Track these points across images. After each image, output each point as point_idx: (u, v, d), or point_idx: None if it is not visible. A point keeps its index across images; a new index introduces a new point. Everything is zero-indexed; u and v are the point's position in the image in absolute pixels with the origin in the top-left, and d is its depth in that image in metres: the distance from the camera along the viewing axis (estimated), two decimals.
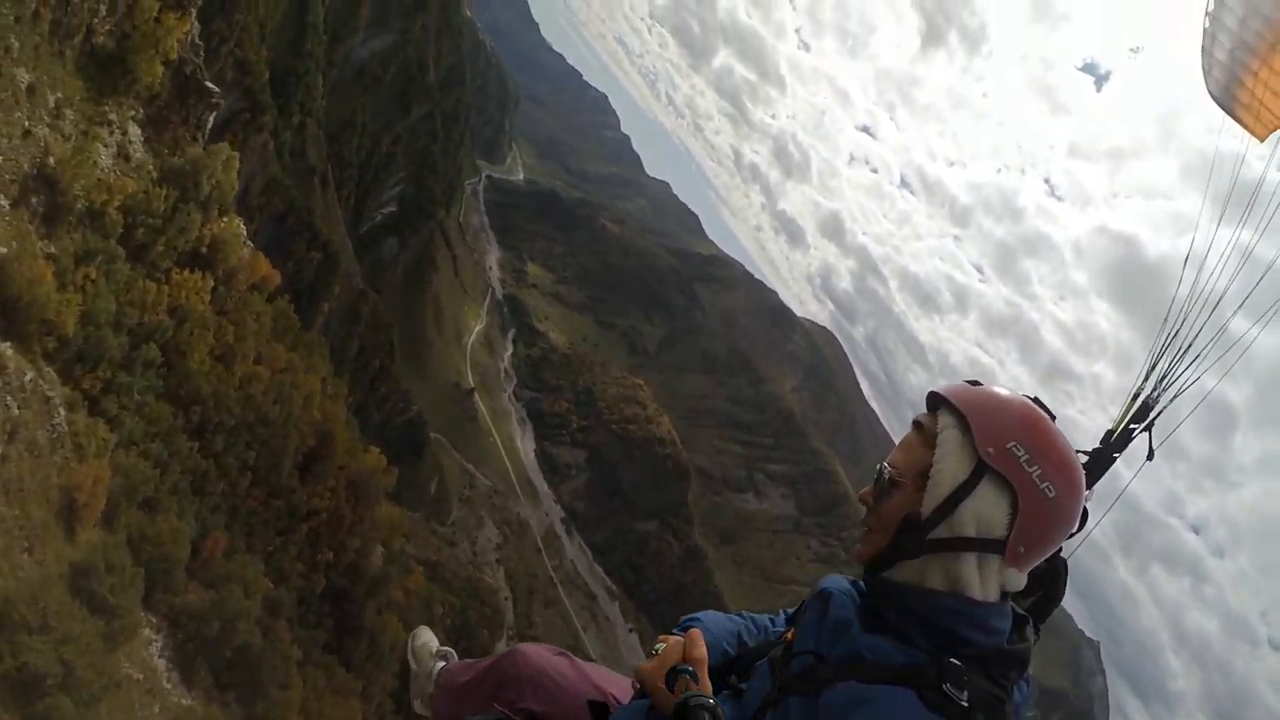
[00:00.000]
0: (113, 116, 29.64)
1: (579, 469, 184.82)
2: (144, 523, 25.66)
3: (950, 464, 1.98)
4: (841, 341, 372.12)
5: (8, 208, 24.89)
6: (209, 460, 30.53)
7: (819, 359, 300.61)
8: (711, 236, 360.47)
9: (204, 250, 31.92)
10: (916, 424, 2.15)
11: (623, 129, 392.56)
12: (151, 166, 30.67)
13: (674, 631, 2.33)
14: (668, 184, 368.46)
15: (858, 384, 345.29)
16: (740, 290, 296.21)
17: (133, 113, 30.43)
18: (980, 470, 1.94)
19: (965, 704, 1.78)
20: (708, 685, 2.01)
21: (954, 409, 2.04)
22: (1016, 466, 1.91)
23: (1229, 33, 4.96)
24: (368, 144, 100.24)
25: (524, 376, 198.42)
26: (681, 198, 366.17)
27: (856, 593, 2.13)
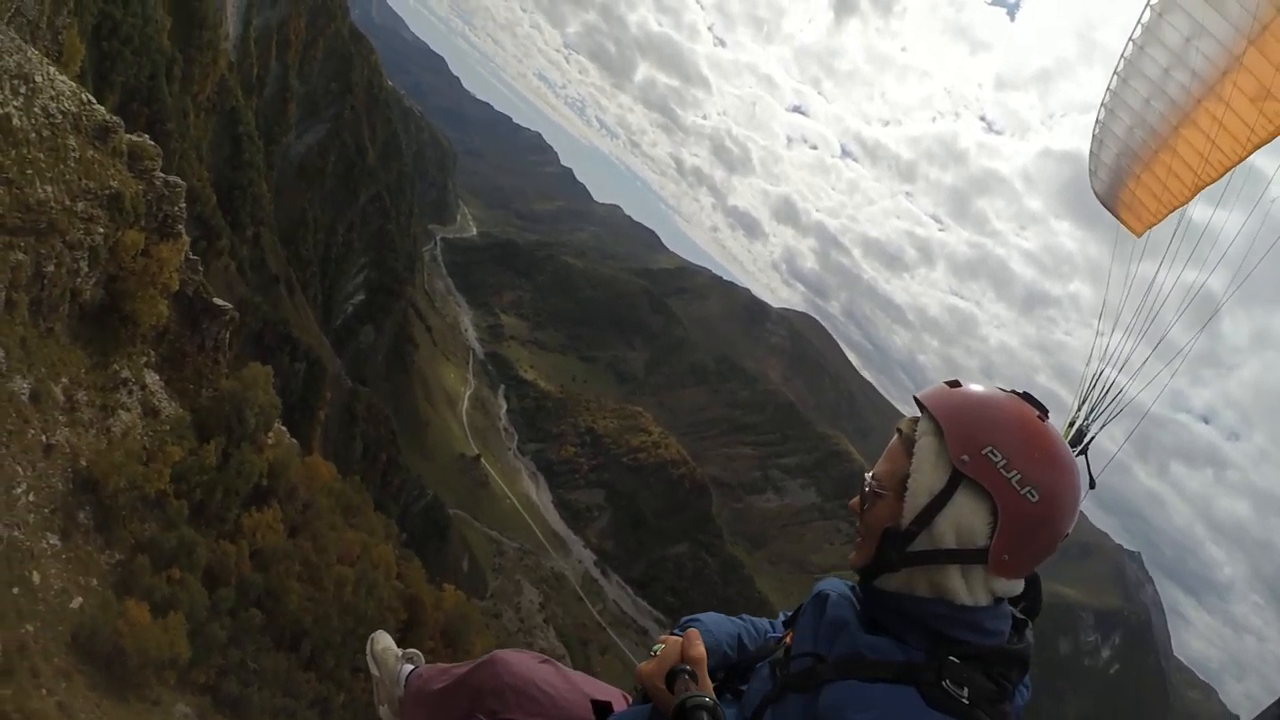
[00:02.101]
0: (125, 373, 26.34)
1: (599, 509, 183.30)
2: None
3: (926, 473, 1.92)
4: (820, 320, 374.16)
5: (60, 545, 22.18)
6: (325, 683, 29.43)
7: (803, 344, 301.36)
8: (673, 249, 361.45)
9: (264, 482, 29.36)
10: (899, 431, 2.07)
11: (562, 162, 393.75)
12: (184, 412, 27.88)
13: (673, 632, 2.26)
14: (619, 206, 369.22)
15: (846, 359, 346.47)
16: (713, 296, 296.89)
17: (145, 359, 27.16)
18: (956, 479, 1.88)
19: (966, 701, 1.78)
20: (708, 685, 1.98)
21: (930, 415, 1.98)
22: (993, 473, 1.84)
23: (1115, 139, 5.36)
24: (323, 238, 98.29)
25: (523, 429, 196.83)
26: (635, 217, 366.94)
27: (854, 595, 2.09)
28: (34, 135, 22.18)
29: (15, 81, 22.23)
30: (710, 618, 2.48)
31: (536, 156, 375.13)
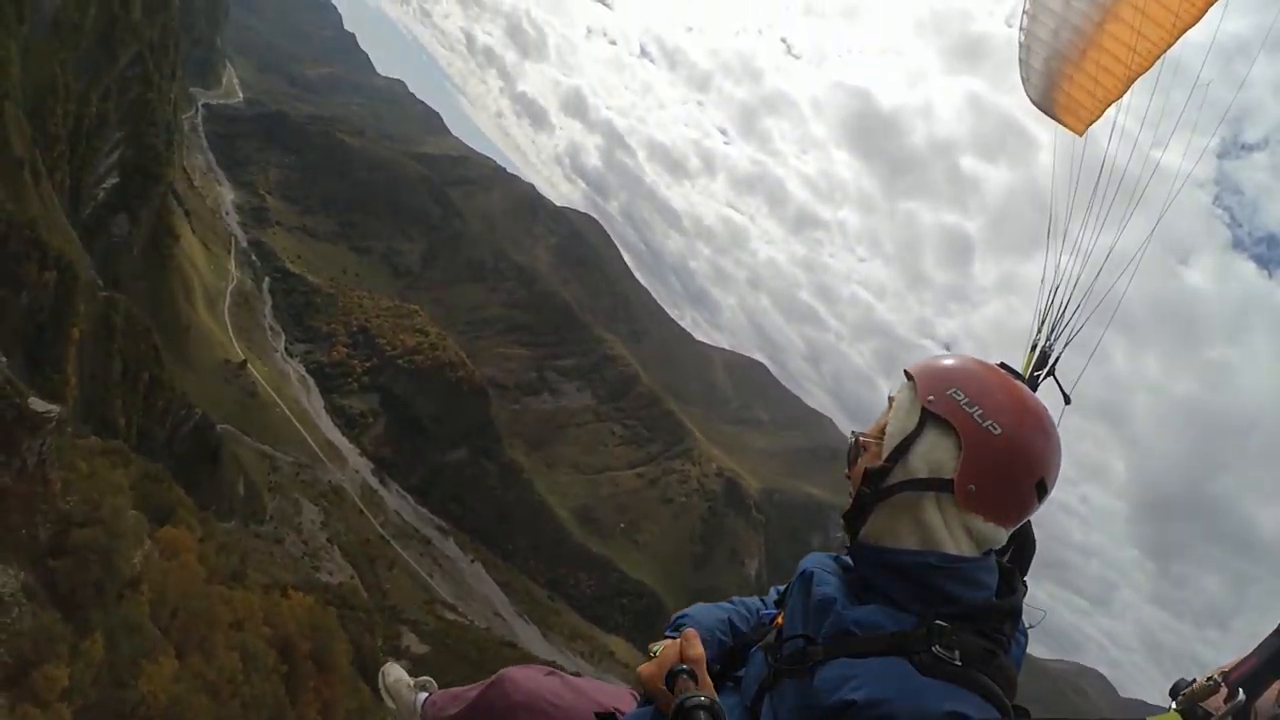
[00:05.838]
0: None
1: (374, 414, 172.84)
2: None
3: (901, 418, 2.07)
4: (599, 220, 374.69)
5: None
6: None
7: (582, 244, 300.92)
8: (456, 134, 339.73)
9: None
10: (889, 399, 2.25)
11: (345, 27, 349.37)
12: (35, 586, 18.30)
13: (666, 634, 2.29)
14: (402, 82, 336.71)
15: (623, 261, 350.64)
16: (496, 190, 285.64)
17: None
18: (926, 418, 2.03)
19: (958, 663, 1.79)
20: (708, 684, 1.99)
21: (909, 374, 2.16)
22: (956, 408, 1.99)
23: (1043, 44, 5.62)
24: (74, 109, 79.09)
25: (291, 328, 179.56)
26: (419, 95, 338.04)
27: (840, 566, 2.14)
28: None
29: None
30: (698, 609, 2.49)
31: (317, 16, 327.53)
